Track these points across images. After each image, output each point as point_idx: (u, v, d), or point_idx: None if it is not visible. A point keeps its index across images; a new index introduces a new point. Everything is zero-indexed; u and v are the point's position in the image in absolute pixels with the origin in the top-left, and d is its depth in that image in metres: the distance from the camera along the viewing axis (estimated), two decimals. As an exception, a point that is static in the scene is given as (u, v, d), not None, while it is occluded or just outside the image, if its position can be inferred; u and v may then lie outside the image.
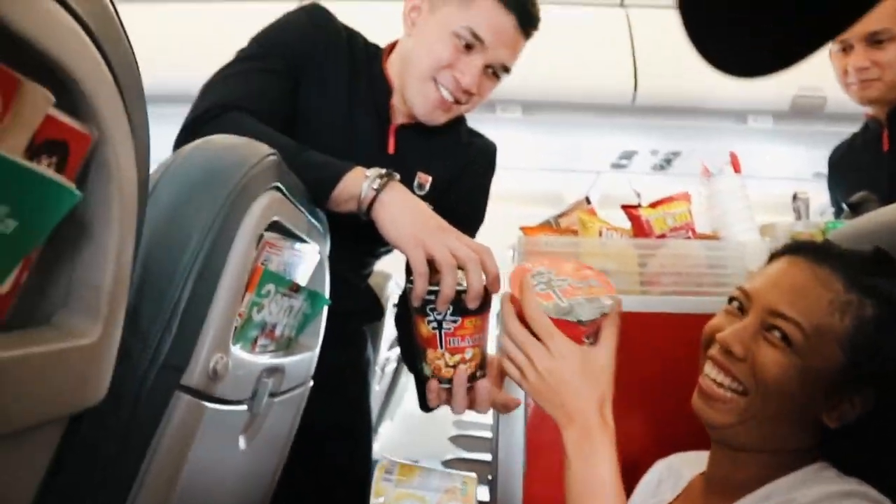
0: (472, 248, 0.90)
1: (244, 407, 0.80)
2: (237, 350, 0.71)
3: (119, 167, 0.40)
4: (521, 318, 0.80)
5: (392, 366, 2.66)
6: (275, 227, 0.75)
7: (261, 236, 0.68)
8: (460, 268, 0.88)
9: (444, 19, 1.16)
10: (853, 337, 0.74)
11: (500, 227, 1.46)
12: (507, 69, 1.20)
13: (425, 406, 1.14)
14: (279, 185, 0.73)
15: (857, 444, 0.77)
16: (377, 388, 2.39)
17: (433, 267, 0.89)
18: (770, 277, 0.81)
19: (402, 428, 3.52)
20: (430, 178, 1.28)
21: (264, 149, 0.70)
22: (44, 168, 0.33)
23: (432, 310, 0.88)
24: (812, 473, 0.77)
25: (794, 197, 1.73)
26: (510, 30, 1.15)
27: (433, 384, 0.92)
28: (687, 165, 2.85)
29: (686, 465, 0.95)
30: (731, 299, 0.84)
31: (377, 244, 1.39)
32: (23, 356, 0.35)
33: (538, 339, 0.79)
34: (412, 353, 1.23)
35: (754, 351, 0.76)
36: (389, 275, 2.26)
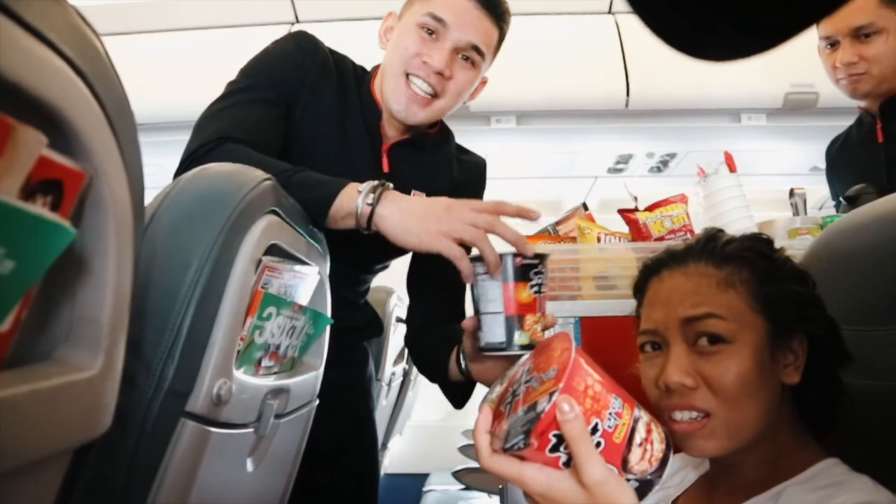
0: (487, 210, 0.93)
1: (250, 430, 0.81)
2: (240, 374, 0.72)
3: (114, 201, 0.41)
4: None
5: (398, 381, 2.65)
6: (274, 250, 0.76)
7: (259, 260, 0.69)
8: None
9: (408, 19, 1.21)
10: (755, 298, 0.79)
11: (500, 239, 1.47)
12: (479, 52, 1.21)
13: (460, 404, 1.16)
14: (276, 208, 0.74)
15: (820, 385, 0.81)
16: (384, 402, 2.39)
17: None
18: (659, 302, 0.84)
19: (412, 441, 3.51)
20: (424, 195, 1.29)
21: (260, 174, 0.71)
22: (39, 208, 0.34)
23: (536, 273, 0.91)
24: (823, 473, 0.76)
25: (791, 193, 1.73)
26: (471, 9, 1.18)
27: None
28: (683, 167, 2.86)
29: (691, 465, 0.96)
30: (641, 347, 0.86)
31: (373, 261, 1.40)
32: (26, 393, 0.35)
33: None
34: (431, 362, 1.24)
35: (701, 372, 0.78)
36: (391, 290, 2.27)
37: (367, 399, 1.52)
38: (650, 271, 0.89)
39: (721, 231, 0.88)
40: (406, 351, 2.68)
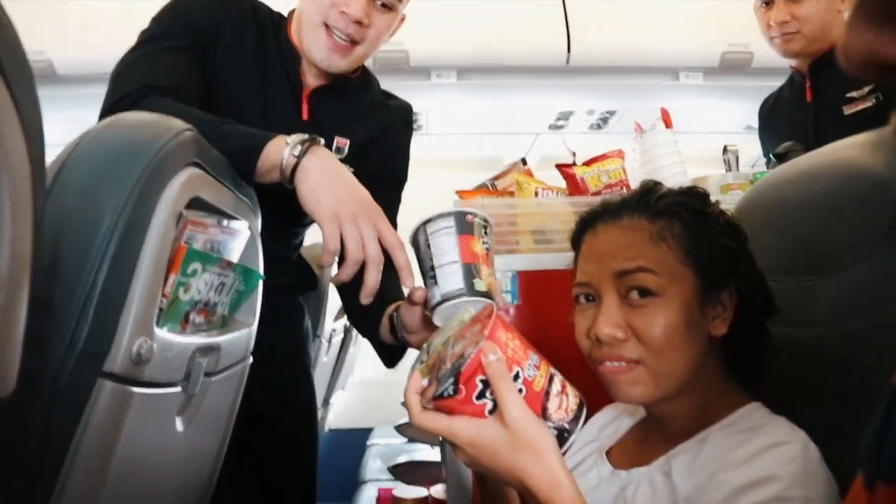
0: (387, 240, 0.92)
1: (178, 388, 0.78)
2: (164, 332, 0.69)
3: (7, 155, 0.38)
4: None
5: (339, 336, 2.64)
6: (197, 204, 0.73)
7: (181, 215, 0.65)
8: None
9: None
10: (686, 252, 0.81)
11: (440, 195, 1.46)
12: None
13: (392, 363, 1.18)
14: (198, 160, 0.70)
15: (747, 337, 0.84)
16: (325, 359, 2.38)
17: None
18: (593, 255, 0.85)
19: (355, 397, 3.52)
20: (347, 142, 1.28)
21: (179, 124, 0.67)
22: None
23: (486, 231, 0.91)
24: (744, 417, 0.80)
25: (725, 149, 1.77)
26: None
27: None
28: (623, 124, 2.88)
29: (627, 413, 0.98)
30: (576, 298, 0.87)
31: (305, 214, 1.37)
32: None
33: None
34: (362, 316, 1.23)
35: (631, 324, 0.79)
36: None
37: (304, 357, 1.51)
38: (586, 224, 0.90)
39: (658, 184, 0.88)
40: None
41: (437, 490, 2.12)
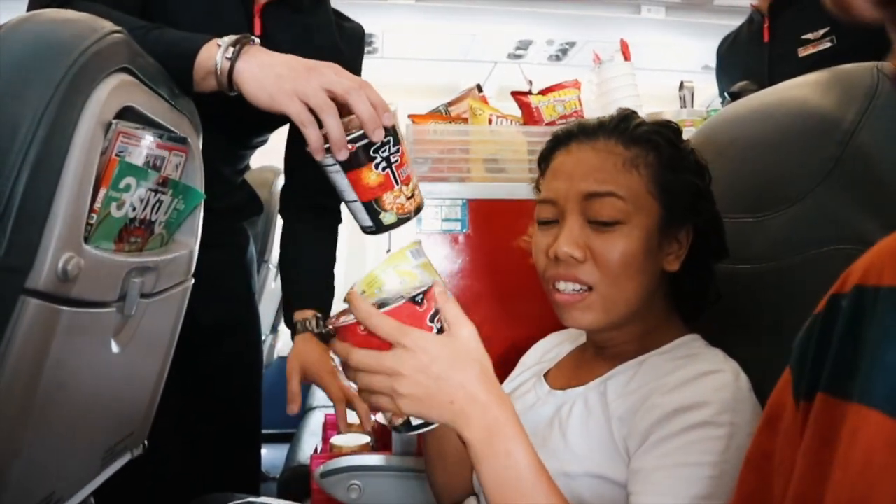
0: (350, 79, 0.85)
1: (112, 309, 0.75)
2: (95, 249, 0.66)
3: None
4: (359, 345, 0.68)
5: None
6: (130, 115, 0.68)
7: (111, 124, 0.61)
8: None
9: None
10: (655, 183, 0.81)
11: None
12: None
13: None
14: (129, 66, 0.65)
15: (696, 275, 0.85)
16: (273, 285, 2.35)
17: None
18: (564, 173, 0.84)
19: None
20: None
21: (107, 24, 0.61)
22: None
23: (377, 150, 0.84)
24: (682, 346, 0.82)
25: (681, 86, 1.77)
26: None
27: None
28: (582, 56, 2.85)
29: (569, 340, 1.00)
30: (538, 214, 0.86)
31: (250, 134, 1.33)
32: None
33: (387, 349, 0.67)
34: (293, 281, 1.32)
35: (591, 247, 0.80)
36: (278, 169, 2.18)
37: (249, 280, 1.49)
38: (558, 141, 0.88)
39: (635, 113, 0.87)
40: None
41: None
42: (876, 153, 0.72)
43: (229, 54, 0.85)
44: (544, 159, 0.90)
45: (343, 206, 1.04)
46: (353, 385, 0.90)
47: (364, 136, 0.83)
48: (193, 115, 0.91)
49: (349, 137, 0.83)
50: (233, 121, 1.03)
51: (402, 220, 0.89)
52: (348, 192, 0.88)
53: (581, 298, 0.81)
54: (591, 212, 0.80)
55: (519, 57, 2.87)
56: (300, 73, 0.85)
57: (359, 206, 0.88)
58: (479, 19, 2.53)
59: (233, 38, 0.87)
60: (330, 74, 0.85)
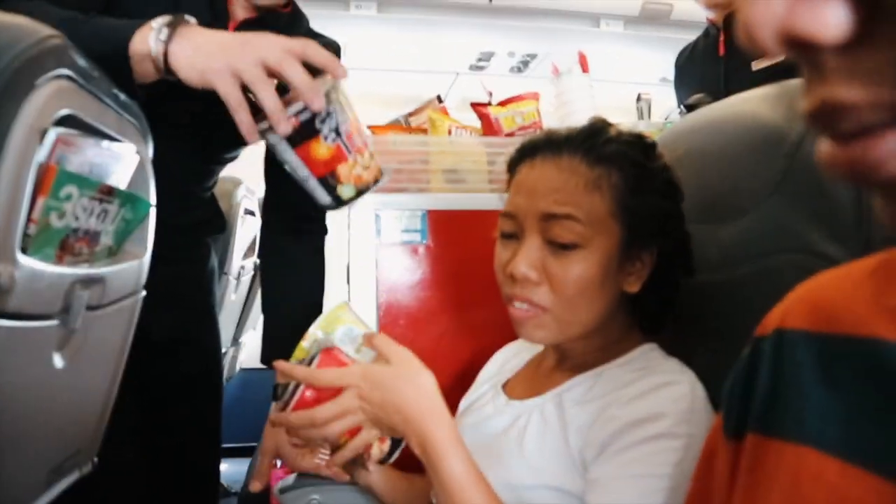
0: (285, 47, 0.80)
1: (55, 322, 0.73)
2: (32, 261, 0.63)
3: None
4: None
5: (249, 275, 2.57)
6: (70, 122, 0.66)
7: (45, 131, 0.59)
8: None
9: None
10: (618, 205, 0.78)
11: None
12: None
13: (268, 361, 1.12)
14: (69, 73, 0.63)
15: (658, 294, 0.84)
16: (233, 297, 2.31)
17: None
18: (525, 189, 0.82)
19: (266, 337, 3.46)
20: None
21: (43, 30, 0.59)
22: None
23: (323, 121, 0.80)
24: (639, 357, 0.82)
25: (638, 97, 1.79)
26: None
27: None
28: (543, 69, 2.88)
29: (527, 350, 1.00)
30: (501, 228, 0.85)
31: (220, 150, 1.29)
32: None
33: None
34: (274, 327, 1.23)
35: (547, 269, 0.79)
36: (239, 180, 2.15)
37: (208, 294, 1.45)
38: (524, 153, 0.85)
39: (607, 125, 0.84)
40: (257, 244, 2.59)
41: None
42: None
43: (163, 36, 0.81)
44: (511, 167, 0.88)
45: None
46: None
47: (306, 107, 0.80)
48: (141, 121, 0.89)
49: (291, 110, 0.80)
50: (201, 135, 1.00)
51: (361, 192, 0.85)
52: (300, 168, 0.84)
53: (534, 315, 0.80)
54: (549, 233, 0.78)
55: (481, 68, 2.89)
56: (233, 48, 0.80)
57: (314, 183, 0.85)
58: (442, 31, 2.53)
59: (166, 18, 0.83)
60: (264, 46, 0.80)
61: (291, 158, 0.83)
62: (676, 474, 0.67)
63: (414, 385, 0.74)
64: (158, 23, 0.82)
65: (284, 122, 0.79)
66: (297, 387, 0.81)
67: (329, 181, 0.84)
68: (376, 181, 0.89)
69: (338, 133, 0.83)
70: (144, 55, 0.82)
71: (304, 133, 0.81)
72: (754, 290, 0.79)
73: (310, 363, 0.82)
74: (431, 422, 0.71)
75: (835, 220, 0.72)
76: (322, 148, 0.82)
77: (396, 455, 0.89)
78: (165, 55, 0.81)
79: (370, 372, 0.74)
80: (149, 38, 0.81)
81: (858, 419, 0.33)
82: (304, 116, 0.81)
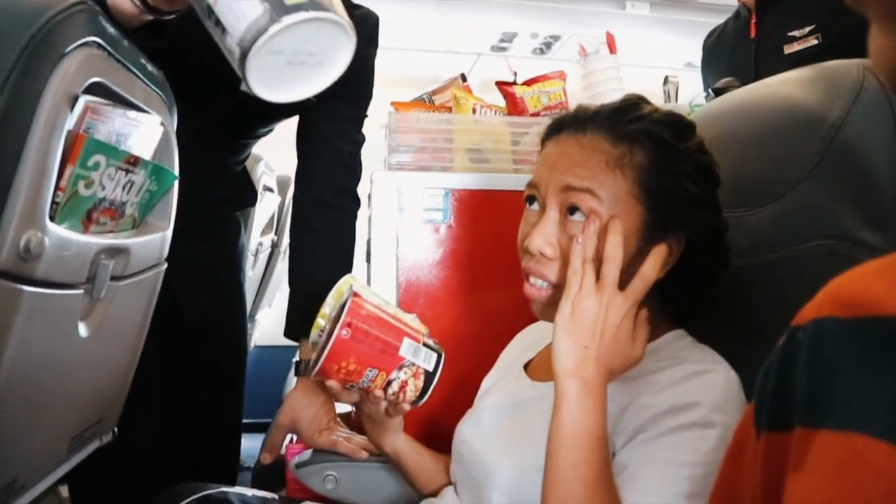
0: None
1: (80, 291, 0.73)
2: (61, 229, 0.63)
3: None
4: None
5: (266, 252, 2.58)
6: (99, 90, 0.65)
7: (76, 98, 0.59)
8: None
9: None
10: (640, 185, 0.76)
11: (373, 110, 1.39)
12: None
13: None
14: (98, 40, 0.62)
15: (688, 283, 0.80)
16: (251, 273, 2.32)
17: None
18: (549, 160, 0.81)
19: (281, 314, 3.48)
20: None
21: (72, -3, 0.58)
22: None
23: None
24: (668, 344, 0.80)
25: (666, 80, 1.76)
26: None
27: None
28: (566, 51, 2.85)
29: (549, 330, 0.99)
30: (528, 199, 0.83)
31: (256, 125, 1.29)
32: None
33: None
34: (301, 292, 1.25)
35: (563, 246, 0.77)
36: (259, 156, 2.14)
37: (239, 273, 1.46)
38: (553, 128, 0.84)
39: (640, 102, 0.81)
40: (275, 221, 2.59)
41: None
42: (861, 148, 0.72)
43: None
44: (542, 142, 0.86)
45: None
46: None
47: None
48: (167, 93, 0.88)
49: None
50: (240, 113, 0.99)
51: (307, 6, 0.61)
52: None
53: (546, 294, 0.79)
54: (567, 206, 0.77)
55: (503, 49, 2.86)
56: None
57: None
58: (464, 9, 2.51)
59: None
60: None
61: None
62: (708, 463, 0.66)
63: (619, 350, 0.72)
64: None
65: None
66: (330, 334, 0.86)
67: None
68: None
69: None
70: None
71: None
72: (786, 276, 0.77)
73: (339, 311, 0.87)
74: (604, 380, 0.71)
75: (873, 205, 0.70)
76: None
77: (428, 395, 0.90)
78: None
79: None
80: None
81: None
82: None
